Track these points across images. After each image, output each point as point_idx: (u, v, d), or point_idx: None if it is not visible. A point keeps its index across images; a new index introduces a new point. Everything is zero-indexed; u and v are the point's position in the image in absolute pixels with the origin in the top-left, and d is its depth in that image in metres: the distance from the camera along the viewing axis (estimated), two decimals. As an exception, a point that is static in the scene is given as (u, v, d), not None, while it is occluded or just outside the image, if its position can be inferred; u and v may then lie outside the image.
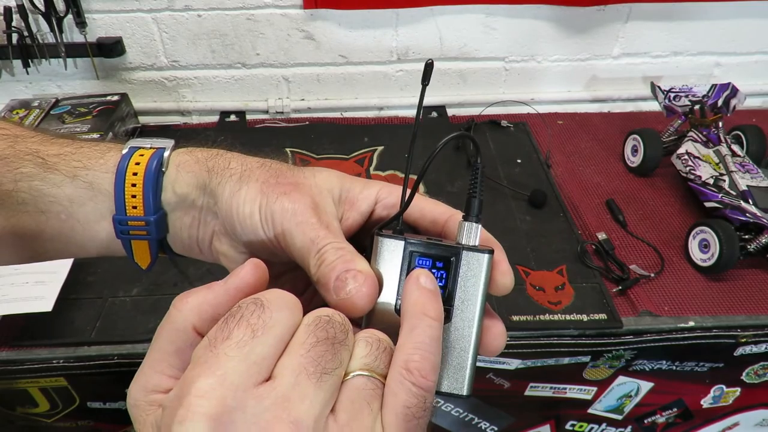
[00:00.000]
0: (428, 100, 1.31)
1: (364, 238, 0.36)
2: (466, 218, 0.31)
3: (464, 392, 0.30)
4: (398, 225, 0.32)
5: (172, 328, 0.26)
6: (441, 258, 0.30)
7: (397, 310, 0.30)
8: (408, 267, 0.31)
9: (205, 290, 0.27)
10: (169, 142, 0.36)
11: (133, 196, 0.34)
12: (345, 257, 0.30)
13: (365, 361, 0.26)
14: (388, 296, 0.31)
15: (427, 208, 0.35)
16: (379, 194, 0.35)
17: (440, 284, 0.30)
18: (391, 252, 0.31)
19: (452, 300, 0.30)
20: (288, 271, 0.38)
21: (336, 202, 0.34)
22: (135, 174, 0.34)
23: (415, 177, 0.32)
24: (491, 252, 0.30)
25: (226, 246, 0.35)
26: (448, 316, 0.30)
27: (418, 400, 0.25)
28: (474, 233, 0.31)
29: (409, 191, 0.32)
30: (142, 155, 0.35)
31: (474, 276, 0.30)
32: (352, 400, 0.25)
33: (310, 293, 0.39)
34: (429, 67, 0.30)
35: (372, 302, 0.29)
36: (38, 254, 0.36)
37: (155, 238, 0.36)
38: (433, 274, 0.30)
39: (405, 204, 0.32)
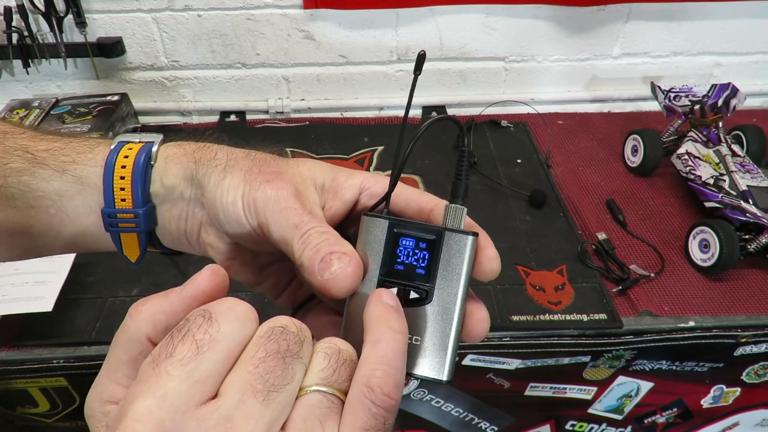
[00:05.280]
0: (428, 100, 1.31)
1: (348, 227, 0.36)
2: (452, 201, 0.32)
3: (444, 377, 0.29)
4: (386, 206, 0.32)
5: (126, 338, 0.25)
6: (424, 239, 0.30)
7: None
8: (391, 246, 0.31)
9: (161, 298, 0.26)
10: (157, 137, 0.36)
11: (122, 189, 0.34)
12: (329, 240, 0.30)
13: (322, 376, 0.25)
14: (372, 277, 0.31)
15: (412, 197, 0.35)
16: (363, 183, 0.35)
17: (422, 265, 0.30)
18: (376, 232, 0.31)
19: (433, 280, 0.30)
20: (273, 263, 0.38)
21: (319, 191, 0.35)
22: (123, 167, 0.34)
23: (413, 173, 0.32)
24: (475, 235, 0.30)
25: (213, 237, 0.36)
26: (428, 297, 0.30)
27: (378, 422, 0.24)
28: (459, 216, 0.31)
29: (397, 174, 0.32)
30: (130, 149, 0.35)
31: (457, 257, 0.30)
32: (304, 419, 0.23)
33: (295, 285, 0.39)
34: (421, 58, 0.31)
35: (357, 282, 0.29)
36: (28, 250, 0.36)
37: (144, 231, 0.36)
38: (416, 254, 0.30)
39: (391, 185, 0.32)
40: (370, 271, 0.31)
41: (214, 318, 0.24)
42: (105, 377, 0.25)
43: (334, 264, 0.29)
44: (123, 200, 0.34)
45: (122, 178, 0.34)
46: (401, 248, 0.31)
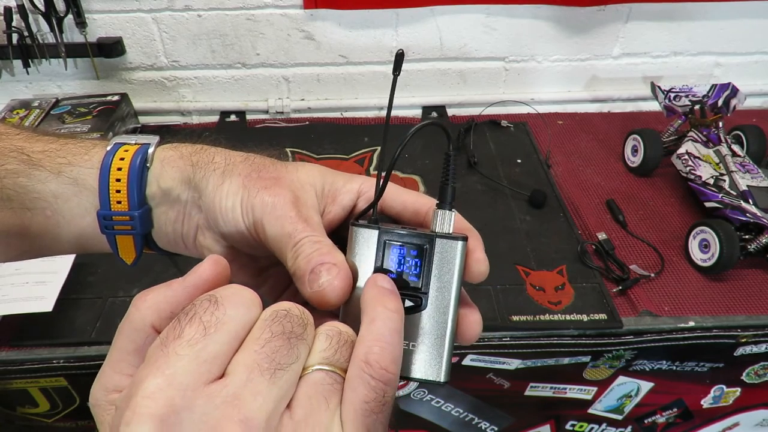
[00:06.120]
0: (428, 100, 1.31)
1: (346, 231, 0.36)
2: (440, 206, 0.32)
3: (441, 378, 0.30)
4: (374, 215, 0.32)
5: (131, 327, 0.26)
6: (415, 246, 0.31)
7: None
8: (382, 256, 0.31)
9: (164, 288, 0.26)
10: (154, 138, 0.36)
11: (118, 191, 0.34)
12: (321, 250, 0.30)
13: (325, 355, 0.25)
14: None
15: (409, 200, 0.35)
16: (361, 188, 0.36)
17: (415, 272, 0.31)
18: (366, 241, 0.31)
19: (427, 287, 0.31)
20: (272, 266, 0.38)
21: (318, 195, 0.35)
22: (119, 169, 0.34)
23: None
24: (465, 239, 0.31)
25: (210, 240, 0.36)
26: (423, 303, 0.31)
27: (377, 395, 0.25)
28: (448, 221, 0.31)
29: (383, 182, 0.32)
30: (126, 151, 0.35)
31: (448, 263, 0.30)
32: (309, 396, 0.24)
33: (294, 287, 0.39)
34: (399, 57, 0.31)
35: (344, 295, 0.29)
36: (25, 251, 0.36)
37: (140, 233, 0.36)
38: (408, 262, 0.31)
39: (379, 193, 0.32)
40: (363, 280, 0.31)
41: (220, 302, 0.24)
42: (109, 368, 0.26)
43: (322, 276, 0.29)
44: (119, 202, 0.34)
45: (118, 180, 0.34)
46: (392, 257, 0.31)
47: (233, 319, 0.24)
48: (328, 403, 0.24)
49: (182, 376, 0.22)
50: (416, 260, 0.31)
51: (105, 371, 0.26)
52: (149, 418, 0.21)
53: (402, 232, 0.31)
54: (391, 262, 0.31)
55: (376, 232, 0.31)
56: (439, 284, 0.30)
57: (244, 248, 0.35)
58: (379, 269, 0.31)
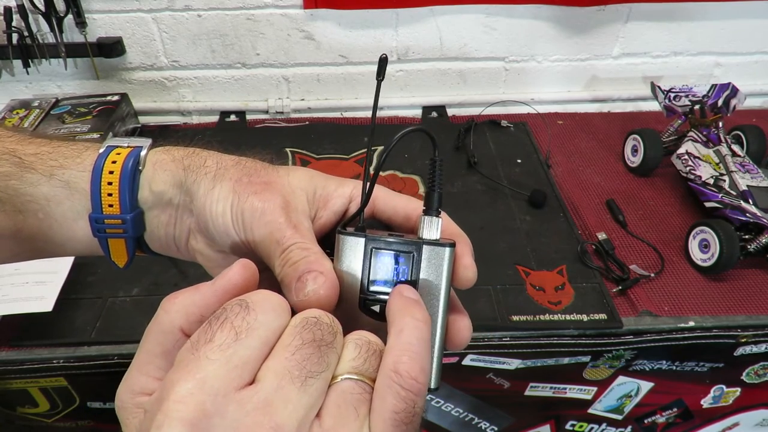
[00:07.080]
0: (428, 100, 1.31)
1: None
2: (426, 212, 0.31)
3: (431, 385, 0.30)
4: (360, 221, 0.32)
5: (159, 330, 0.26)
6: (402, 253, 0.30)
7: (362, 308, 0.31)
8: (369, 263, 0.31)
9: (193, 291, 0.26)
10: (146, 141, 0.36)
11: (110, 195, 0.34)
12: (309, 258, 0.30)
13: (354, 365, 0.25)
14: (352, 294, 0.31)
15: (399, 204, 0.35)
16: (353, 192, 0.35)
17: (403, 279, 0.30)
18: (353, 249, 0.31)
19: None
20: (264, 270, 0.38)
21: (310, 200, 0.34)
22: (111, 173, 0.34)
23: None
24: (452, 245, 0.31)
25: (202, 244, 0.36)
26: None
27: (407, 405, 0.24)
28: (435, 227, 0.31)
29: (369, 190, 0.32)
30: (118, 154, 0.35)
31: (436, 270, 0.30)
32: (338, 405, 0.24)
33: None
34: (383, 62, 0.31)
35: (330, 305, 0.29)
36: (17, 254, 0.36)
37: (132, 236, 0.36)
38: (396, 269, 0.30)
39: (364, 201, 0.32)
40: (351, 289, 0.31)
41: (251, 307, 0.24)
42: (136, 370, 0.25)
43: (308, 285, 0.29)
44: (111, 206, 0.34)
45: (110, 183, 0.34)
46: (380, 264, 0.31)
47: (264, 324, 0.24)
48: (357, 413, 0.24)
49: (213, 380, 0.22)
50: (404, 267, 0.30)
51: (131, 373, 0.25)
52: (180, 422, 0.21)
53: (389, 239, 0.31)
54: (378, 270, 0.30)
55: (362, 240, 0.31)
56: (428, 291, 0.30)
57: (235, 253, 0.35)
58: (368, 290, 0.31)
